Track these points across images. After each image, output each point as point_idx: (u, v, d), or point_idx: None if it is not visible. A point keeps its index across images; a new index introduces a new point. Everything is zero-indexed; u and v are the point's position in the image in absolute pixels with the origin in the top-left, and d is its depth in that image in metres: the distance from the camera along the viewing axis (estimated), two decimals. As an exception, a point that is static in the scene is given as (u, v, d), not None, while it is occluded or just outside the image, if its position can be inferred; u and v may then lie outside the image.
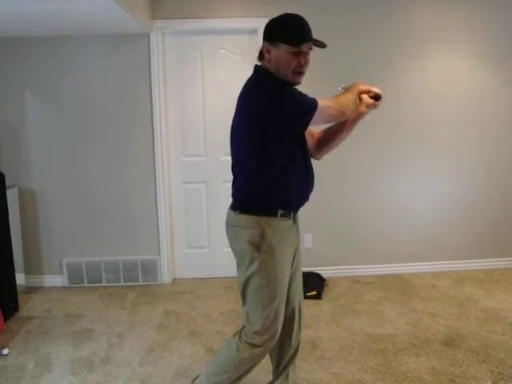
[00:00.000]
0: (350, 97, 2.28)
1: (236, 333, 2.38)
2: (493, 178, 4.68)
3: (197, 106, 4.49)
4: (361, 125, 4.63)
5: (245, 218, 2.25)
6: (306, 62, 2.19)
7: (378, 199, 4.64)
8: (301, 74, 2.20)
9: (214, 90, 4.43)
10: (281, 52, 2.14)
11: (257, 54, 2.27)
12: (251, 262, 2.23)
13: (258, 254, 2.22)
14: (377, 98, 2.36)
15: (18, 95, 4.38)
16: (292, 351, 2.54)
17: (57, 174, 4.49)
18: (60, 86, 4.38)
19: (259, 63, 2.28)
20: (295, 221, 2.38)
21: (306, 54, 2.18)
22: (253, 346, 2.28)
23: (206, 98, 4.46)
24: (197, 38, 4.41)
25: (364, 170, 4.59)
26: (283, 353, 2.54)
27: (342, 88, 2.36)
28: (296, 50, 2.13)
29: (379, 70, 4.44)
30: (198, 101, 4.49)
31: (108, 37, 4.31)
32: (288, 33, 2.14)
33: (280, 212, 2.24)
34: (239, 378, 2.36)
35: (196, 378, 2.53)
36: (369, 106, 2.35)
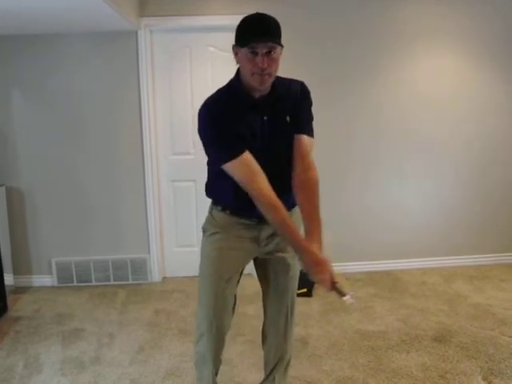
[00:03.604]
0: (291, 236, 2.09)
1: None
2: (480, 176, 4.71)
3: (185, 104, 4.47)
4: (350, 126, 4.68)
5: (210, 204, 2.37)
6: (266, 63, 1.97)
7: (367, 198, 4.65)
8: (261, 75, 1.99)
9: (203, 88, 4.40)
10: (240, 54, 2.03)
11: None
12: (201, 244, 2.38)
13: (204, 236, 2.36)
14: (338, 290, 2.10)
15: (4, 94, 4.33)
16: (277, 357, 2.47)
17: (45, 174, 4.45)
18: (47, 84, 4.34)
19: None
20: (259, 224, 2.23)
21: (266, 54, 1.97)
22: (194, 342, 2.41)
23: (195, 96, 4.44)
24: (185, 36, 4.39)
25: (354, 169, 4.60)
26: (268, 355, 2.51)
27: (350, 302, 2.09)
28: (250, 51, 1.96)
29: (368, 71, 4.45)
30: (187, 98, 4.47)
31: (95, 35, 4.27)
32: (238, 34, 2.03)
33: (229, 211, 2.26)
34: (202, 375, 2.41)
35: None
36: (324, 283, 2.12)
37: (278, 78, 2.17)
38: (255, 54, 1.96)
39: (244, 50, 1.99)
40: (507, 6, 4.47)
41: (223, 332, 2.35)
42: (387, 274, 4.63)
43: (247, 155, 2.04)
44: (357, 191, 4.63)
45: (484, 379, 2.84)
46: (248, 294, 3.79)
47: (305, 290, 4.13)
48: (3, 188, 4.34)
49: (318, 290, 4.24)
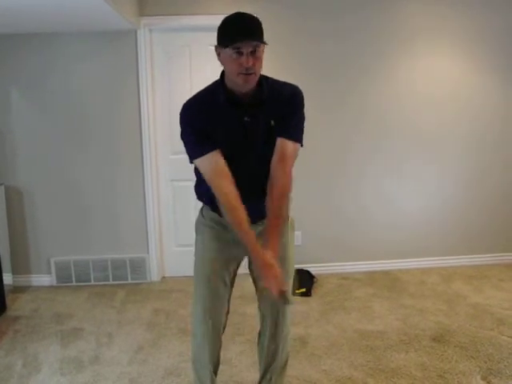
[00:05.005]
0: (243, 234, 2.10)
1: None
2: (479, 176, 4.72)
3: (185, 103, 4.46)
4: (347, 125, 4.68)
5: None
6: (252, 62, 1.96)
7: (366, 197, 4.65)
8: (246, 74, 1.98)
9: (203, 87, 4.40)
10: (223, 55, 2.03)
11: None
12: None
13: (195, 235, 2.41)
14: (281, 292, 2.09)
15: (2, 94, 4.33)
16: (269, 356, 2.45)
17: (44, 173, 4.45)
18: (45, 84, 4.33)
19: None
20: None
21: (251, 54, 1.96)
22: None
23: (194, 95, 4.43)
24: (185, 35, 4.39)
25: (352, 169, 4.60)
26: (261, 354, 2.50)
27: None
28: (235, 51, 1.96)
29: (366, 70, 4.45)
30: (186, 98, 4.44)
31: (94, 34, 4.26)
32: (221, 34, 2.05)
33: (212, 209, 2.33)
34: (199, 375, 2.42)
35: None
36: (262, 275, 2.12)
37: (272, 81, 2.17)
38: (240, 53, 1.96)
39: (228, 51, 1.98)
40: (507, 5, 4.47)
41: (219, 331, 2.37)
42: (386, 273, 4.63)
43: (216, 154, 2.08)
44: (356, 191, 4.63)
45: (483, 379, 2.84)
46: (248, 294, 3.77)
47: (304, 289, 4.14)
48: (2, 187, 4.34)
49: (317, 290, 4.25)
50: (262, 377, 2.52)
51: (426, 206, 4.71)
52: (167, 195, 4.62)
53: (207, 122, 2.11)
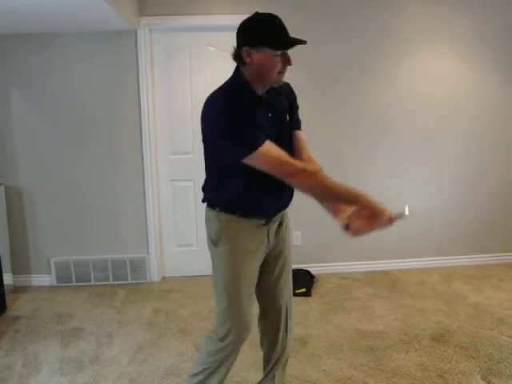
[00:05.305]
0: (337, 191, 2.25)
1: None
2: (479, 175, 4.71)
3: (185, 103, 4.47)
4: (347, 125, 4.67)
5: (210, 212, 2.25)
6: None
7: (366, 196, 4.64)
8: (283, 73, 2.09)
9: (202, 87, 4.40)
10: (264, 56, 2.00)
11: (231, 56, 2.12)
12: (214, 255, 2.26)
13: (217, 248, 2.23)
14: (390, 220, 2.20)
15: (2, 94, 4.33)
16: (278, 353, 2.48)
17: (44, 173, 4.45)
18: (45, 84, 4.33)
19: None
20: (267, 222, 2.27)
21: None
22: (217, 339, 2.28)
23: (194, 95, 4.44)
24: (185, 35, 4.39)
25: (352, 168, 4.59)
26: (270, 353, 2.50)
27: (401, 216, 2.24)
28: (282, 52, 2.01)
29: (366, 70, 4.45)
30: (186, 98, 4.47)
31: (94, 34, 4.26)
32: (271, 36, 2.00)
33: (239, 213, 2.19)
34: (212, 373, 2.30)
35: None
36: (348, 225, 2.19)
37: None
38: (284, 54, 2.03)
39: (270, 51, 1.99)
40: (507, 5, 4.47)
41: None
42: (386, 273, 4.63)
43: (269, 142, 1.99)
44: (356, 191, 4.63)
45: (483, 379, 2.83)
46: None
47: (304, 289, 4.14)
48: (2, 187, 4.34)
49: (317, 290, 4.25)
50: (267, 374, 2.54)
51: (426, 206, 4.71)
52: (167, 195, 4.62)
53: (250, 113, 2.04)
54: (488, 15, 4.48)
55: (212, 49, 4.37)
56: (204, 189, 2.31)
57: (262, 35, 2.00)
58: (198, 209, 4.57)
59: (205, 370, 2.30)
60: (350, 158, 4.56)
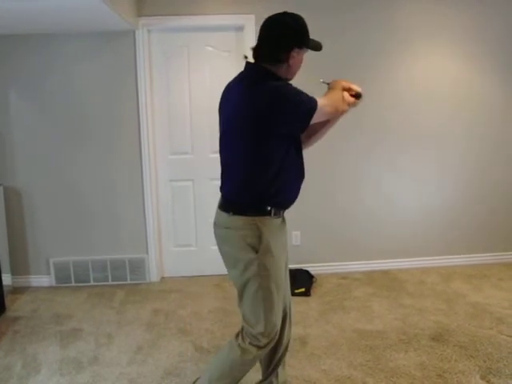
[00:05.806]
0: (339, 94, 2.25)
1: (237, 334, 2.32)
2: (479, 174, 4.71)
3: (183, 103, 4.47)
4: (347, 123, 4.64)
5: (239, 220, 2.18)
6: None
7: (365, 196, 4.65)
8: None
9: (201, 87, 4.41)
10: (301, 56, 2.21)
11: (245, 52, 2.21)
12: (249, 264, 2.17)
13: (255, 255, 2.15)
14: (357, 96, 2.29)
15: (1, 94, 4.32)
16: (280, 352, 2.52)
17: (42, 174, 4.44)
18: (44, 84, 4.33)
19: (251, 61, 2.21)
20: (284, 219, 2.37)
21: None
22: (258, 347, 2.24)
23: (193, 95, 4.44)
24: (183, 35, 4.39)
25: (351, 167, 4.60)
26: (275, 351, 2.51)
27: (323, 82, 2.36)
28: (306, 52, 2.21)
29: (365, 69, 4.44)
30: (185, 98, 4.47)
31: (93, 34, 4.26)
32: (308, 37, 2.20)
33: (273, 211, 2.20)
34: (239, 380, 2.36)
35: (195, 381, 2.52)
36: (349, 105, 2.28)
37: None
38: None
39: (303, 51, 2.20)
40: (507, 5, 4.47)
41: None
42: (385, 273, 4.63)
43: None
44: (355, 190, 4.63)
45: (482, 378, 2.83)
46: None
47: (303, 289, 4.14)
48: (1, 188, 4.33)
49: (317, 290, 4.24)
50: (271, 372, 2.58)
51: (426, 206, 4.71)
52: (166, 195, 4.62)
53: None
54: (488, 15, 4.48)
55: (210, 49, 4.36)
56: (229, 195, 2.26)
57: (307, 37, 2.20)
58: (197, 209, 4.57)
59: (235, 378, 2.35)
60: (350, 156, 4.57)
